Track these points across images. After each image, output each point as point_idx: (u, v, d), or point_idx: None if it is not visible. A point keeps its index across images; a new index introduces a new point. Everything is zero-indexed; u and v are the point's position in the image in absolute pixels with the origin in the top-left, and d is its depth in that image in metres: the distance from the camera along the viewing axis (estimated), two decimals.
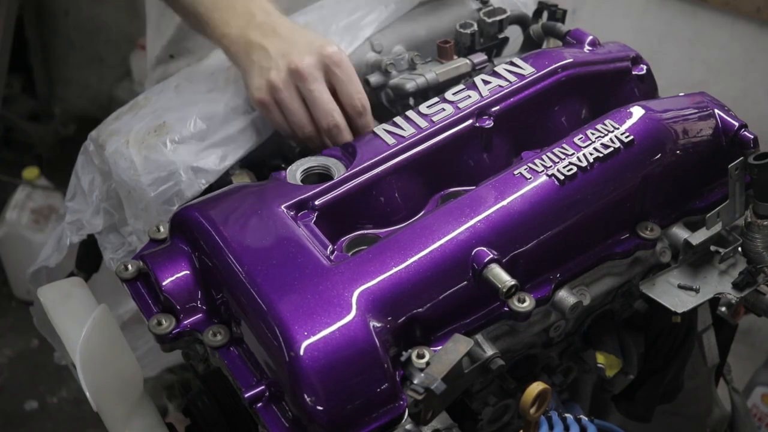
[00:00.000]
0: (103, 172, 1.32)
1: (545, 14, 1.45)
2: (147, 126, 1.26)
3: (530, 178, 1.03)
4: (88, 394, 0.93)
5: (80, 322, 1.02)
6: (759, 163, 1.03)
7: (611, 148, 1.06)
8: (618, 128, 1.08)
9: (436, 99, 1.17)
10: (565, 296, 1.05)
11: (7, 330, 2.80)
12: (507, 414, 1.19)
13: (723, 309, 1.13)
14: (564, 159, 1.05)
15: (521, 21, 1.47)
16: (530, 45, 1.44)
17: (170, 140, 1.22)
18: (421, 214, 1.10)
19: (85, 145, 1.34)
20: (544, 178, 1.03)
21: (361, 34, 1.36)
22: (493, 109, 1.14)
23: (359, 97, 1.20)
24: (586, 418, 1.02)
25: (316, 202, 1.05)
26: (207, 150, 1.21)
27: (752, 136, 1.14)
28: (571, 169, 1.04)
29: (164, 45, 1.64)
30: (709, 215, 1.07)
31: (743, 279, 1.09)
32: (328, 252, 0.99)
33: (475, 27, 1.40)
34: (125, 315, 1.53)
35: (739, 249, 1.11)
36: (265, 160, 1.31)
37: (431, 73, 1.29)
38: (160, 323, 1.00)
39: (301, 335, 0.87)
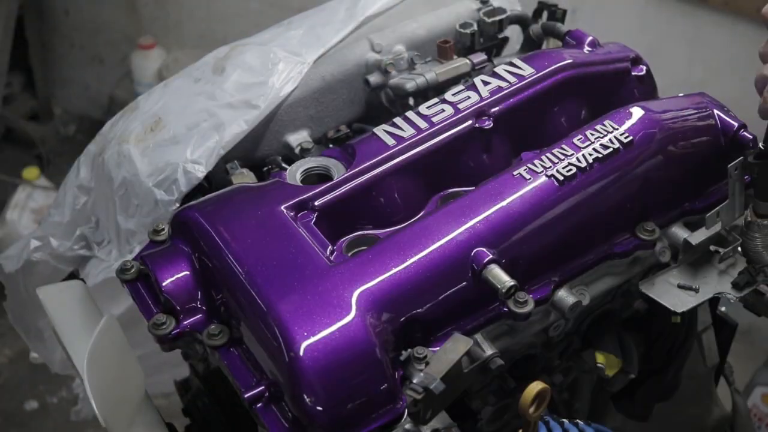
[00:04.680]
0: (82, 187, 1.33)
1: (545, 14, 1.45)
2: (143, 125, 1.27)
3: (530, 179, 1.03)
4: (95, 407, 0.93)
5: (83, 328, 1.02)
6: (759, 162, 1.03)
7: (610, 149, 1.06)
8: (617, 129, 1.08)
9: (435, 100, 1.17)
10: (565, 296, 1.05)
11: (7, 330, 2.79)
12: (506, 414, 1.19)
13: (723, 309, 1.13)
14: (563, 160, 1.05)
15: (521, 21, 1.47)
16: (530, 45, 1.44)
17: (167, 134, 1.23)
18: (420, 214, 1.10)
19: (79, 160, 1.35)
20: (543, 178, 1.03)
21: (359, 14, 1.35)
22: (493, 110, 1.14)
23: None
24: (583, 423, 1.02)
25: (316, 203, 1.05)
26: (202, 138, 1.21)
27: (751, 137, 1.14)
28: (570, 170, 1.04)
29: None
30: (708, 215, 1.07)
31: (742, 278, 1.09)
32: (328, 252, 0.99)
33: (475, 27, 1.40)
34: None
35: (739, 249, 1.11)
36: (265, 160, 1.31)
37: (431, 73, 1.29)
38: (160, 324, 1.00)
39: (301, 336, 0.87)
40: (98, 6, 3.60)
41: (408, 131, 1.11)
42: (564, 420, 1.00)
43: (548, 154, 1.06)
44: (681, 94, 1.20)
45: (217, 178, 1.24)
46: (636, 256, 1.12)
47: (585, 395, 1.36)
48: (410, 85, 1.28)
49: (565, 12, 1.44)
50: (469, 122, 1.13)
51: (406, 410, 0.91)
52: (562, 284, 1.05)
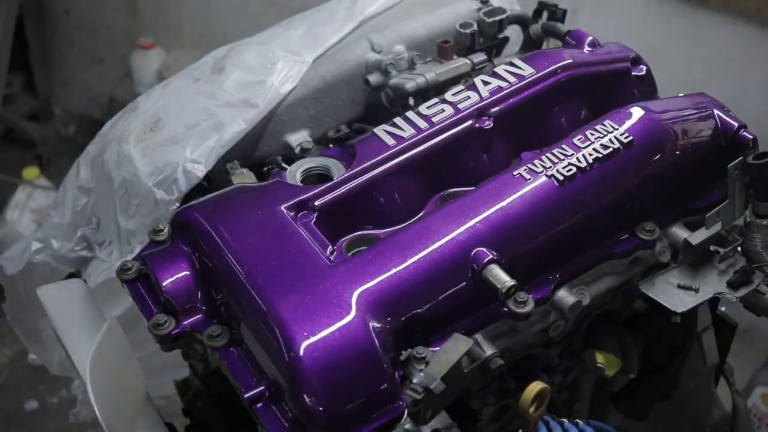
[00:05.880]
0: (82, 188, 1.33)
1: (545, 14, 1.45)
2: (142, 125, 1.26)
3: (530, 179, 1.03)
4: (97, 411, 0.93)
5: (83, 328, 1.02)
6: (758, 162, 1.03)
7: (610, 149, 1.06)
8: (617, 129, 1.08)
9: (435, 100, 1.17)
10: (565, 296, 1.05)
11: (7, 330, 2.79)
12: (506, 414, 1.19)
13: (723, 309, 1.13)
14: (563, 160, 1.05)
15: (521, 21, 1.47)
16: (530, 45, 1.44)
17: (166, 133, 1.23)
18: (420, 214, 1.10)
19: (78, 160, 1.35)
20: (543, 178, 1.03)
21: (358, 14, 1.35)
22: (493, 110, 1.14)
23: None
24: (583, 422, 1.02)
25: (316, 203, 1.05)
26: (202, 137, 1.21)
27: (751, 137, 1.14)
28: (570, 170, 1.04)
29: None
30: (708, 215, 1.07)
31: (738, 278, 1.09)
32: (328, 252, 0.99)
33: (475, 27, 1.40)
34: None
35: (739, 249, 1.11)
36: (265, 160, 1.31)
37: (431, 72, 1.29)
38: (160, 324, 1.00)
39: (301, 336, 0.87)
40: (98, 6, 3.60)
41: (408, 131, 1.11)
42: (564, 420, 1.00)
43: (548, 154, 1.06)
44: (681, 94, 1.20)
45: (217, 178, 1.24)
46: (636, 256, 1.12)
47: (585, 395, 1.36)
48: (410, 85, 1.28)
49: (565, 12, 1.44)
50: (469, 122, 1.13)
51: (406, 410, 0.91)
52: (562, 284, 1.05)
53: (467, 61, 1.32)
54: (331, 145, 1.34)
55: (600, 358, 1.20)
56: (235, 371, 0.95)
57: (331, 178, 1.09)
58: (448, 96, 1.16)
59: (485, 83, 1.17)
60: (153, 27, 3.54)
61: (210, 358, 1.03)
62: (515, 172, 1.04)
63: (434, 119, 1.13)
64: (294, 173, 1.13)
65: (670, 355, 1.34)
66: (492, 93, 1.15)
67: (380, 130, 1.13)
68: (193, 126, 1.23)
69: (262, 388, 0.91)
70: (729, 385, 1.55)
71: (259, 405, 0.91)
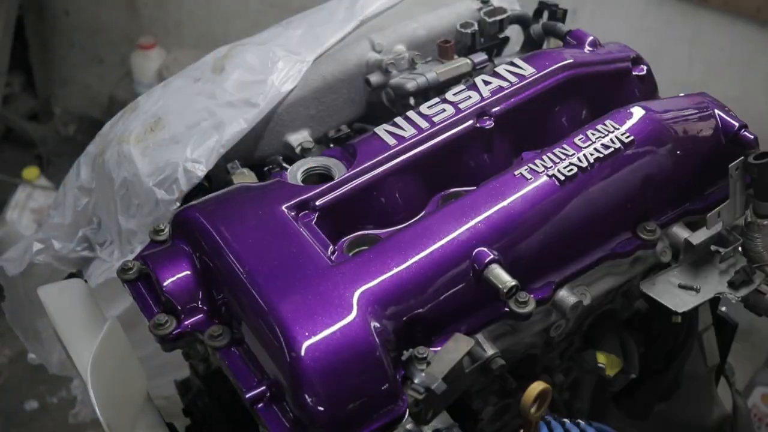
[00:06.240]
0: (82, 188, 1.33)
1: (546, 14, 1.45)
2: (143, 125, 1.26)
3: (531, 179, 1.03)
4: (98, 412, 0.93)
5: (84, 328, 1.02)
6: (759, 162, 1.03)
7: (611, 149, 1.06)
8: (618, 128, 1.09)
9: (436, 99, 1.17)
10: (566, 296, 1.05)
11: (6, 330, 2.79)
12: (507, 414, 1.19)
13: (723, 309, 1.13)
14: (564, 159, 1.05)
15: (522, 21, 1.47)
16: (531, 45, 1.44)
17: (167, 133, 1.23)
18: (421, 214, 1.10)
19: (79, 161, 1.35)
20: (544, 178, 1.03)
21: (358, 14, 1.35)
22: (494, 110, 1.14)
23: None
24: (584, 422, 1.02)
25: (317, 203, 1.05)
26: (202, 137, 1.21)
27: (752, 137, 1.14)
28: (571, 170, 1.04)
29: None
30: (709, 215, 1.07)
31: (738, 277, 1.09)
32: (329, 252, 0.99)
33: (476, 27, 1.40)
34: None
35: (740, 248, 1.11)
36: (265, 160, 1.31)
37: (432, 72, 1.29)
38: (161, 324, 0.99)
39: (302, 336, 0.87)
40: (98, 6, 3.61)
41: (409, 131, 1.11)
42: (565, 420, 1.01)
43: (549, 154, 1.06)
44: (682, 94, 1.20)
45: (218, 178, 1.24)
46: (637, 256, 1.12)
47: (586, 395, 1.36)
48: (411, 85, 1.28)
49: (565, 12, 1.44)
50: (470, 122, 1.13)
51: (408, 410, 0.91)
52: (563, 284, 1.05)
53: (468, 60, 1.32)
54: (331, 145, 1.34)
55: (601, 358, 1.20)
56: (236, 371, 0.95)
57: (331, 178, 1.09)
58: (449, 96, 1.16)
59: (486, 83, 1.17)
60: (153, 27, 3.54)
61: (211, 358, 1.03)
62: (516, 172, 1.04)
63: (435, 119, 1.12)
64: (295, 173, 1.12)
65: (671, 355, 1.34)
66: (493, 93, 1.15)
67: (381, 130, 1.13)
68: (193, 126, 1.23)
69: (264, 388, 0.91)
70: (729, 385, 1.55)
71: (260, 405, 0.91)
